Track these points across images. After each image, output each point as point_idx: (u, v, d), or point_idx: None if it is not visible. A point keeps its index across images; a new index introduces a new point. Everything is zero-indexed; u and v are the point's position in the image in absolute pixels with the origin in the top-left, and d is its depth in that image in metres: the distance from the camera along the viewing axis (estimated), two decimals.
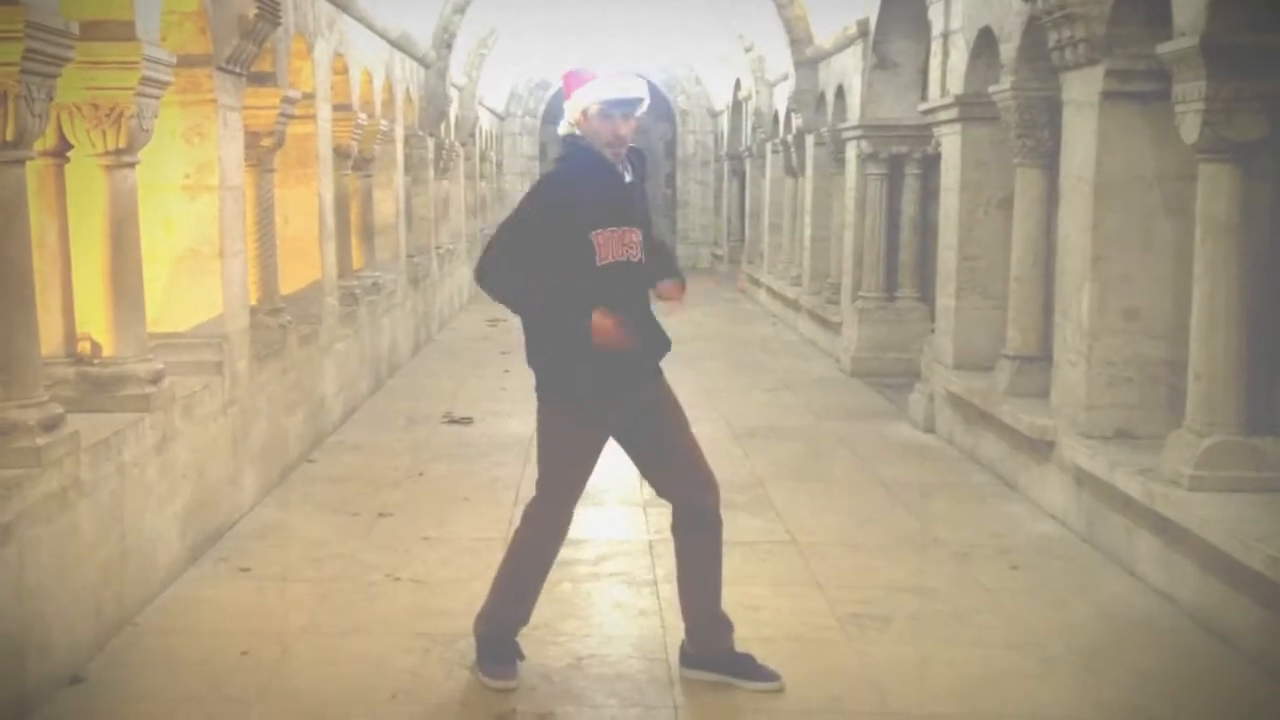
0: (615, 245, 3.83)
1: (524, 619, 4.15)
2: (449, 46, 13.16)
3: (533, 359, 3.97)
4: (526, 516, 4.10)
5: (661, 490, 4.10)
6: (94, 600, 4.18)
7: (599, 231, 3.80)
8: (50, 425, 3.92)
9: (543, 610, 4.63)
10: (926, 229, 10.04)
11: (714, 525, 4.04)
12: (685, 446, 4.01)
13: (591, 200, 3.84)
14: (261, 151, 6.58)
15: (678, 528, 4.07)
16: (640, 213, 3.97)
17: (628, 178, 3.95)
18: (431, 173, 13.21)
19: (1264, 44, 4.54)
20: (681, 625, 4.16)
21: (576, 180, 3.91)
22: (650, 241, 4.05)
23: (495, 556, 5.26)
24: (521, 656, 4.10)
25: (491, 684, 3.96)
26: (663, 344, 4.02)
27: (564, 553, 5.31)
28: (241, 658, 4.17)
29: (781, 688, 3.95)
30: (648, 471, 4.11)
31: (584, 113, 3.85)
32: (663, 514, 4.45)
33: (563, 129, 4.01)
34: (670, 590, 4.73)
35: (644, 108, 3.91)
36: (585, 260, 3.80)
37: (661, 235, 4.18)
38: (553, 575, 5.03)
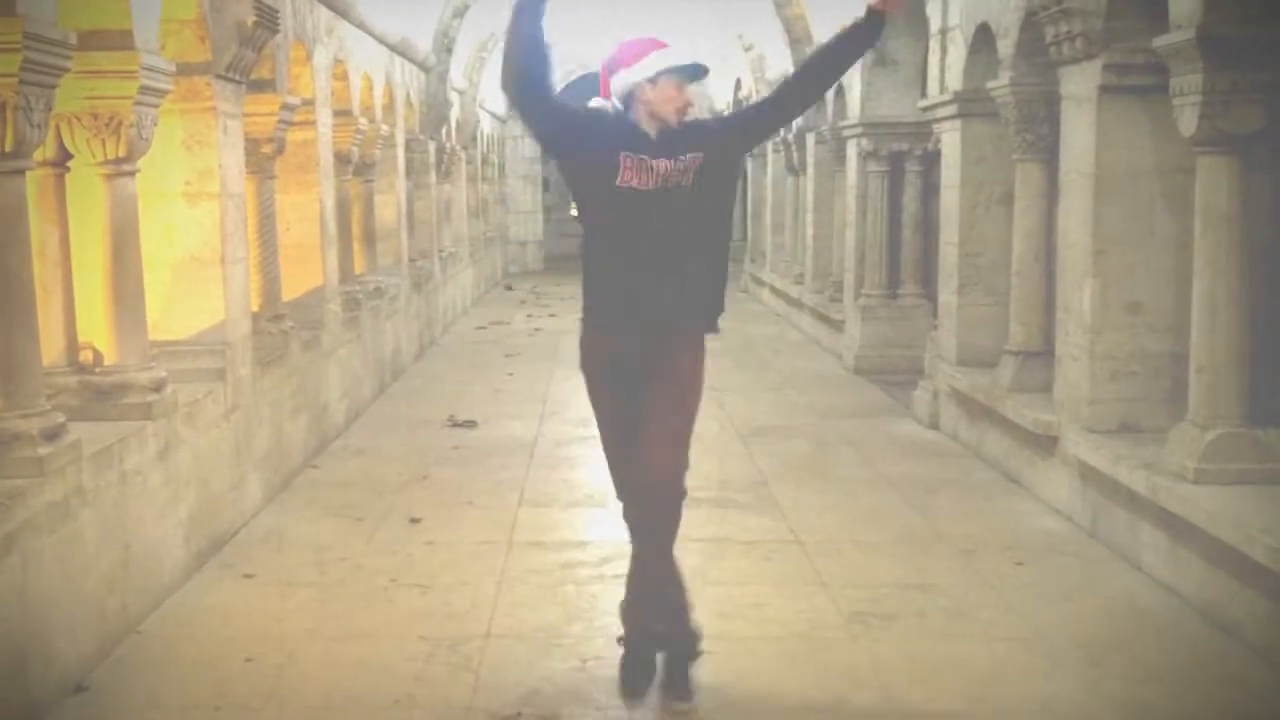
0: (640, 173, 3.74)
1: (651, 626, 4.01)
2: (449, 51, 13.17)
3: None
4: None
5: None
6: (98, 608, 4.19)
7: (626, 155, 3.73)
8: (52, 434, 3.92)
9: (546, 612, 4.67)
10: (928, 226, 10.04)
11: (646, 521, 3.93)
12: (655, 435, 3.83)
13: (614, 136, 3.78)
14: (262, 158, 6.58)
15: None
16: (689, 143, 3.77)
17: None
18: (433, 177, 13.22)
19: (1260, 36, 4.53)
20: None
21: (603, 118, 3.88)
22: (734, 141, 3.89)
23: (499, 560, 5.30)
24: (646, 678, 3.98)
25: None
26: (682, 304, 3.82)
27: (567, 555, 5.37)
28: (246, 664, 4.17)
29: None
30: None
31: (652, 80, 3.72)
32: None
33: (601, 103, 3.88)
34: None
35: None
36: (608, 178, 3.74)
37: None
38: (555, 577, 5.09)
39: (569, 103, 3.90)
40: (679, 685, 3.91)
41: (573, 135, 3.81)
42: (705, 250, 3.90)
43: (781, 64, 13.86)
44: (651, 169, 3.72)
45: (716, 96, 22.29)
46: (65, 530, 3.95)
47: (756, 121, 4.02)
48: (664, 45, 3.77)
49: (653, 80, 3.73)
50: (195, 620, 4.63)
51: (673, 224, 3.78)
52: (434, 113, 13.01)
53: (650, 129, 3.78)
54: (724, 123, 3.95)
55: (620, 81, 3.78)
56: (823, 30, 11.88)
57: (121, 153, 4.72)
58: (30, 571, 3.70)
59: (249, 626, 4.55)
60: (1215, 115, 4.64)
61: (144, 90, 4.70)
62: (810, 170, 13.15)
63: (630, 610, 4.09)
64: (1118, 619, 4.60)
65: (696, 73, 3.75)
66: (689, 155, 3.75)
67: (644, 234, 3.76)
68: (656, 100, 3.74)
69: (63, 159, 4.72)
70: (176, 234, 5.67)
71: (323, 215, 7.97)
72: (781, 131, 14.94)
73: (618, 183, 3.71)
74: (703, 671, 4.07)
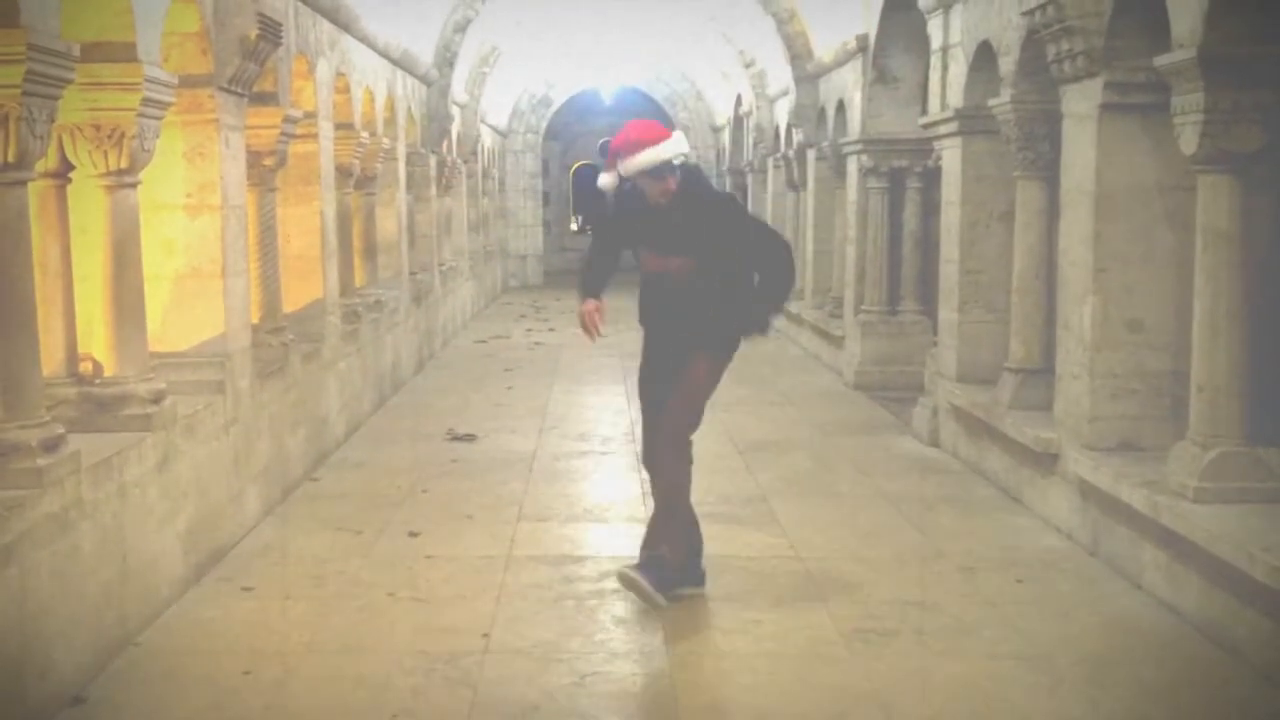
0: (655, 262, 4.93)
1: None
2: (450, 65, 13.19)
3: None
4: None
5: None
6: (96, 620, 4.17)
7: (645, 249, 4.94)
8: (51, 446, 3.92)
9: (546, 627, 4.65)
10: (928, 242, 10.04)
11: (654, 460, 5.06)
12: (672, 402, 4.96)
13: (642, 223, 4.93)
14: (263, 171, 6.59)
15: None
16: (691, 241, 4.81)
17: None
18: (434, 190, 13.22)
19: (1261, 55, 4.54)
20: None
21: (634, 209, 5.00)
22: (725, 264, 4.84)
23: (498, 574, 5.29)
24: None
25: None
26: (699, 328, 4.85)
27: (567, 569, 5.37)
28: (244, 677, 4.16)
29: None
30: None
31: (665, 164, 4.73)
32: None
33: (608, 182, 4.86)
34: (674, 606, 4.74)
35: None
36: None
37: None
38: (555, 592, 5.08)
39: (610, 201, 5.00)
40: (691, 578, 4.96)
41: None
42: (724, 292, 4.82)
43: (782, 78, 13.90)
44: (665, 260, 4.83)
45: (717, 111, 22.40)
46: (64, 542, 3.94)
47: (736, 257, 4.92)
48: (667, 136, 4.72)
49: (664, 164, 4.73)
50: (193, 633, 4.62)
51: (690, 284, 4.80)
52: (435, 126, 13.03)
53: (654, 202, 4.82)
54: (720, 231, 4.80)
55: (658, 154, 4.70)
56: (823, 44, 11.92)
57: (123, 164, 4.72)
58: (28, 583, 3.69)
59: (247, 639, 4.54)
60: (1216, 134, 4.65)
61: (146, 102, 4.70)
62: (811, 186, 13.17)
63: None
64: (1118, 637, 4.59)
65: (669, 168, 4.71)
66: (689, 255, 4.77)
67: (667, 288, 4.88)
68: (647, 189, 4.78)
69: (64, 170, 4.72)
70: (177, 246, 5.67)
71: (323, 228, 7.97)
72: (782, 147, 15.01)
73: (643, 262, 4.95)
74: (702, 688, 4.06)
